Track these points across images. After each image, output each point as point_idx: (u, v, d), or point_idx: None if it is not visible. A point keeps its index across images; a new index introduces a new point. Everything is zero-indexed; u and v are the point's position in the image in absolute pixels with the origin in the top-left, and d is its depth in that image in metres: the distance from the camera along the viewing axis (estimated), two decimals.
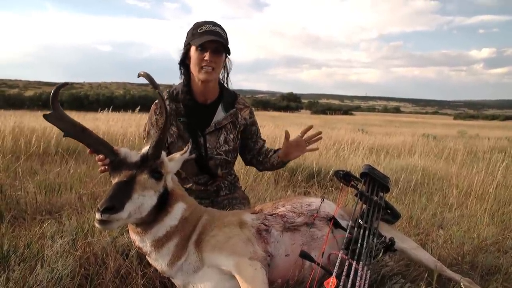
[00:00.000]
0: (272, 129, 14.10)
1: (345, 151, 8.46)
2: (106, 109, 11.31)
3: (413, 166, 7.20)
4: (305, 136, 2.88)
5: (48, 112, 1.95)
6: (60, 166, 5.51)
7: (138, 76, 2.08)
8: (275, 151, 3.06)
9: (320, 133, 2.94)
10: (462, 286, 2.26)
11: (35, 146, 6.41)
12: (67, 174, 4.99)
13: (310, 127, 2.86)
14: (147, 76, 2.02)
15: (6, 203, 3.76)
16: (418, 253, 2.50)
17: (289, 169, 6.09)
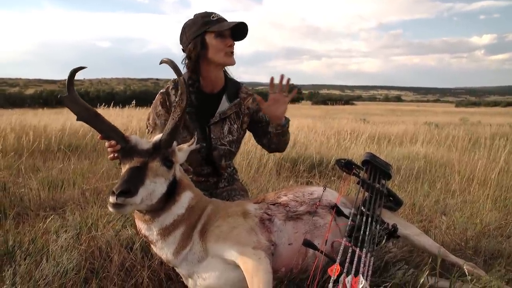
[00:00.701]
0: None
1: (346, 140, 8.47)
2: (104, 104, 11.30)
3: (415, 154, 7.21)
4: (276, 90, 2.74)
5: (64, 95, 1.97)
6: (62, 162, 5.54)
7: (160, 63, 2.11)
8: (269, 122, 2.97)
9: (283, 76, 2.73)
10: (465, 270, 2.27)
11: (37, 143, 6.44)
12: (69, 170, 5.01)
13: (272, 80, 2.72)
14: (171, 62, 2.06)
15: (10, 200, 3.80)
16: (421, 239, 2.50)
17: (290, 160, 6.12)
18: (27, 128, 7.79)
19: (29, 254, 2.41)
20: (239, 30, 2.85)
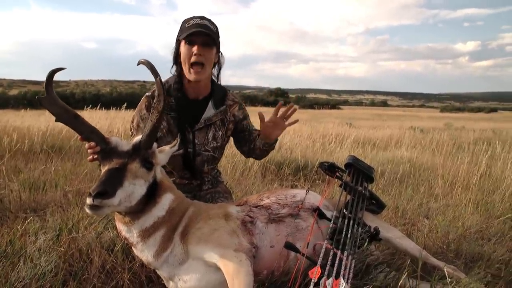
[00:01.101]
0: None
1: (331, 144, 8.50)
2: (90, 106, 11.21)
3: (399, 158, 7.26)
4: (279, 114, 2.75)
5: (42, 96, 1.94)
6: (45, 164, 5.44)
7: (138, 64, 2.09)
8: (258, 134, 2.97)
9: (292, 105, 2.77)
10: (446, 273, 2.29)
11: (19, 145, 6.33)
12: (52, 172, 4.93)
13: (280, 106, 2.72)
14: (148, 63, 2.04)
15: None
16: (403, 242, 2.52)
17: (276, 163, 6.11)
18: (9, 129, 7.65)
19: (5, 256, 2.35)
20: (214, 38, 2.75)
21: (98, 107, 11.57)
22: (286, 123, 2.79)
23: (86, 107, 11.22)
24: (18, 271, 2.18)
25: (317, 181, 5.59)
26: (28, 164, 5.73)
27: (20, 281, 2.12)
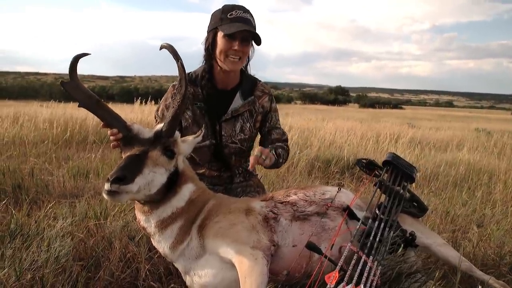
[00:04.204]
0: (315, 122, 13.91)
1: (385, 143, 8.13)
2: (144, 100, 11.59)
3: (458, 161, 6.79)
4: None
5: (66, 81, 1.95)
6: (95, 153, 5.61)
7: (160, 49, 2.04)
8: (276, 145, 2.79)
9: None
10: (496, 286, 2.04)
11: (68, 134, 6.62)
12: (98, 160, 5.07)
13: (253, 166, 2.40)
14: (170, 47, 1.99)
15: (36, 186, 3.85)
16: (444, 250, 2.28)
17: (323, 160, 5.93)
18: (69, 120, 7.99)
19: (27, 239, 2.37)
20: (257, 36, 2.68)
21: (149, 100, 11.88)
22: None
23: (149, 101, 11.57)
24: (31, 253, 2.19)
25: (365, 181, 5.34)
26: (80, 153, 5.94)
27: (33, 264, 2.12)
